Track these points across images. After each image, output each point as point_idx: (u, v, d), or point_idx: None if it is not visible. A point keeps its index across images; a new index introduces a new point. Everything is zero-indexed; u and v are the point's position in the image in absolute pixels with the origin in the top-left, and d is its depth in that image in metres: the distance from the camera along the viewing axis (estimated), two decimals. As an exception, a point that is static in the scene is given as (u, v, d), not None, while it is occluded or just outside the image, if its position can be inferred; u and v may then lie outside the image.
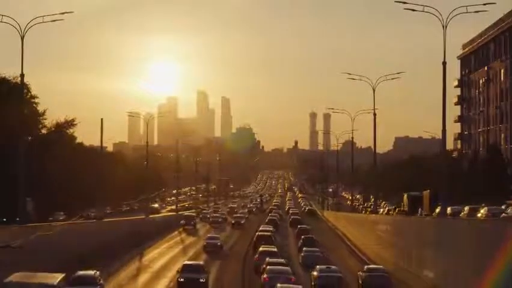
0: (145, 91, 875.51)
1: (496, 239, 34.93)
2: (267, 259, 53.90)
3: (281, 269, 48.97)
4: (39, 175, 77.98)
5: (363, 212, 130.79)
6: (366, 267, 54.00)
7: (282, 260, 54.75)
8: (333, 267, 52.68)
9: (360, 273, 51.82)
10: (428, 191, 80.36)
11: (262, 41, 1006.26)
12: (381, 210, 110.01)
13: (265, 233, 77.24)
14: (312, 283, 50.08)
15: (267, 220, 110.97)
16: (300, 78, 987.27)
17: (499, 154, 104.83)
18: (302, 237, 77.33)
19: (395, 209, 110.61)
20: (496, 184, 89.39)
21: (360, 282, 50.78)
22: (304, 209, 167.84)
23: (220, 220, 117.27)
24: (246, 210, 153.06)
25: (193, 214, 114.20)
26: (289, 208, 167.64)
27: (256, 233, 79.35)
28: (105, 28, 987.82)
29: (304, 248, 67.46)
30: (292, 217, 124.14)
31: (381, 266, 54.70)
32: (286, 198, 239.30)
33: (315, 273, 50.49)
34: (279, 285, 41.83)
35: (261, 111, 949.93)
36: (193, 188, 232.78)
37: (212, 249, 72.00)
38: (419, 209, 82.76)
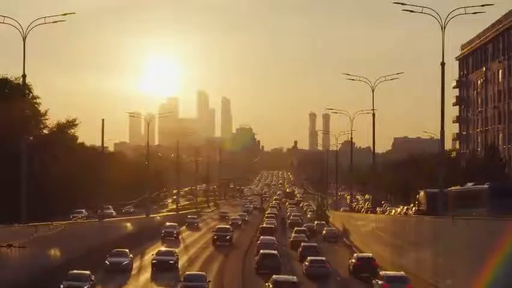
0: (146, 91, 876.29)
1: (492, 238, 35.38)
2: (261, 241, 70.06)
3: (268, 239, 68.36)
4: (41, 175, 78.45)
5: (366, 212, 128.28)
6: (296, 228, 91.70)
7: (272, 238, 71.26)
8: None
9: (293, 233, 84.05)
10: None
11: (263, 41, 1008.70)
12: (393, 211, 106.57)
13: (272, 210, 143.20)
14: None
15: (272, 204, 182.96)
16: (300, 79, 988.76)
17: (497, 154, 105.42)
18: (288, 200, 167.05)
19: (407, 209, 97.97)
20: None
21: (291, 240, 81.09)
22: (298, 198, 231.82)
23: (172, 263, 58.46)
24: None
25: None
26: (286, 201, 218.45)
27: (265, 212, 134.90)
28: (106, 29, 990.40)
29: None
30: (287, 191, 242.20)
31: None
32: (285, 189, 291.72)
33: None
34: (274, 276, 45.84)
35: (261, 111, 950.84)
36: (193, 187, 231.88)
37: None
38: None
